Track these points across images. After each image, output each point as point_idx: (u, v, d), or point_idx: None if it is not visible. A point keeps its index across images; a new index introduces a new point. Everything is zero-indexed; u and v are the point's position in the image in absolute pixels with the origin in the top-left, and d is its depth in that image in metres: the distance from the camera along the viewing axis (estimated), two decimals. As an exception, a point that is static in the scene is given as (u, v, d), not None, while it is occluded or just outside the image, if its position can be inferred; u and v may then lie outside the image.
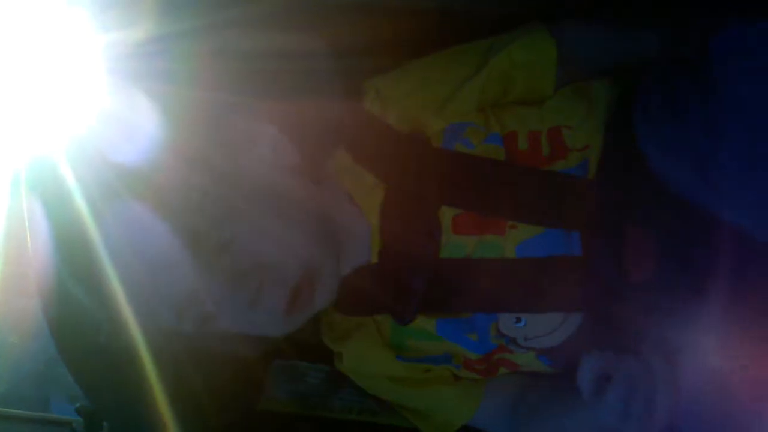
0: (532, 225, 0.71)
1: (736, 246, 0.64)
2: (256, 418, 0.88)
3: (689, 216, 0.66)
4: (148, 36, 0.72)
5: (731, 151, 0.62)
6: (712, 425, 0.69)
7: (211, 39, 0.75)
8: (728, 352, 0.65)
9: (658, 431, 0.68)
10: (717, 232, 0.65)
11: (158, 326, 0.70)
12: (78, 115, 0.68)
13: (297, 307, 0.68)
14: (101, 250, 0.64)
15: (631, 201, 0.69)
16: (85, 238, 0.64)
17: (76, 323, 0.77)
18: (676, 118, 0.65)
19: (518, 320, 0.73)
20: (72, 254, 0.67)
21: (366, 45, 0.79)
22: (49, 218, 0.68)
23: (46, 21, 0.78)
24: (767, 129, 0.62)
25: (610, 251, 0.69)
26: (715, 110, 0.63)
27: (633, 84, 0.72)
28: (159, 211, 0.64)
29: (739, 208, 0.64)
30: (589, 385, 0.70)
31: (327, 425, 0.88)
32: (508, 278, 0.72)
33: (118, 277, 0.65)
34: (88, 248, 0.64)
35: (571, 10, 0.77)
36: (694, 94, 0.65)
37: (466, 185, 0.73)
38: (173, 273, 0.65)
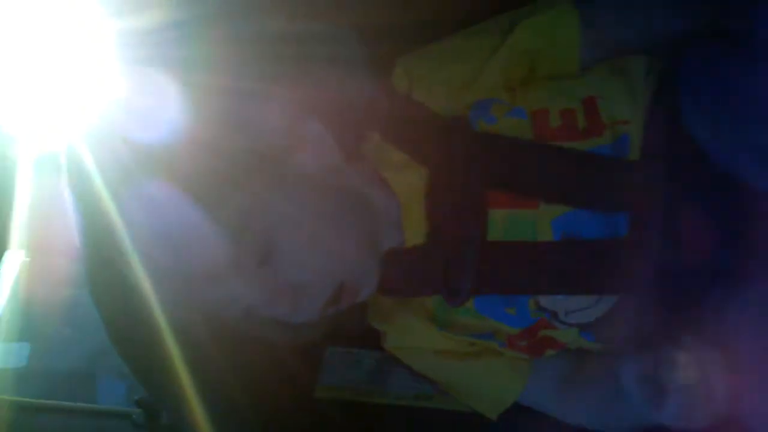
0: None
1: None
2: (311, 407, 0.89)
3: (743, 196, 0.65)
4: (169, 21, 0.71)
5: None
6: None
7: (235, 24, 0.74)
8: None
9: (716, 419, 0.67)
10: None
11: (198, 312, 0.71)
12: (99, 99, 0.69)
13: (331, 309, 0.72)
14: (123, 230, 0.66)
15: (681, 181, 0.68)
16: (108, 220, 0.66)
17: (123, 313, 0.78)
18: (721, 93, 0.64)
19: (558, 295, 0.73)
20: (104, 242, 0.68)
21: (393, 27, 0.78)
22: (77, 204, 0.70)
23: (64, 7, 0.78)
24: None
25: (663, 232, 0.68)
26: (759, 86, 0.61)
27: (674, 60, 0.70)
28: (197, 199, 0.65)
29: None
30: (637, 392, 0.70)
31: (381, 412, 0.88)
32: (550, 261, 0.72)
33: (154, 265, 0.67)
34: (111, 229, 0.66)
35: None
36: (741, 68, 0.63)
37: (504, 167, 0.72)
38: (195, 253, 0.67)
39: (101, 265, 0.74)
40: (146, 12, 0.72)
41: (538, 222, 0.71)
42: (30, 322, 1.20)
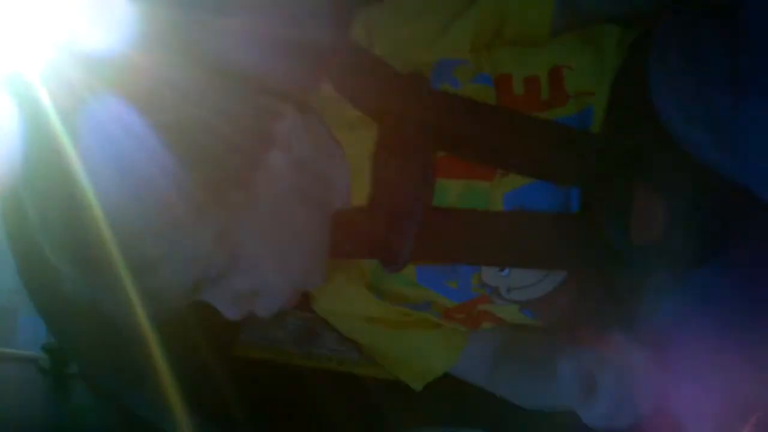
0: (524, 176, 0.68)
1: (754, 217, 0.61)
2: (229, 363, 0.85)
3: (703, 178, 0.62)
4: None
5: (756, 112, 0.56)
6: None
7: None
8: (732, 332, 0.62)
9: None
10: (733, 198, 0.61)
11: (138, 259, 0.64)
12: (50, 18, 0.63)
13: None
14: (75, 161, 0.58)
15: (640, 158, 0.65)
16: (63, 146, 0.58)
17: (40, 257, 0.72)
18: (695, 69, 0.60)
19: (502, 269, 0.71)
20: (41, 170, 0.60)
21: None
22: (22, 127, 0.62)
23: None
24: None
25: (613, 210, 0.66)
26: (742, 63, 0.57)
27: (648, 30, 0.67)
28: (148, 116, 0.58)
29: (757, 176, 0.59)
30: (571, 387, 0.68)
31: (300, 376, 0.85)
32: (499, 231, 0.69)
33: (95, 196, 0.58)
34: (61, 160, 0.58)
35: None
36: (719, 44, 0.59)
37: (460, 130, 0.69)
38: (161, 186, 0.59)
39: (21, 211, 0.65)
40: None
41: (492, 194, 0.69)
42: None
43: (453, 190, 0.69)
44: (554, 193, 0.68)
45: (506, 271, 0.71)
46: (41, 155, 0.59)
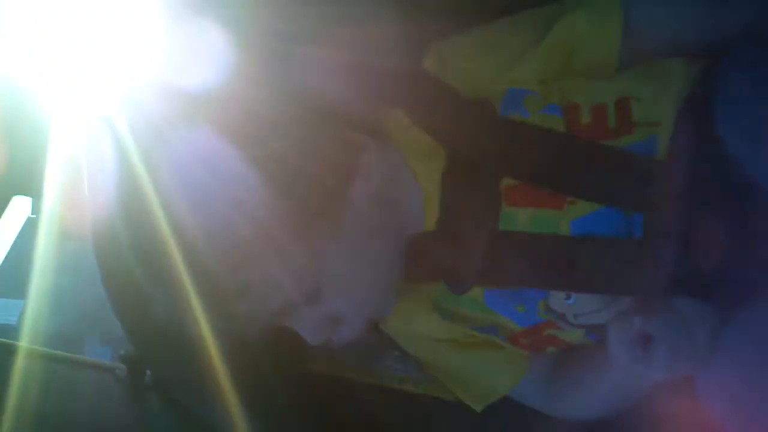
0: (591, 202, 0.70)
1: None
2: (299, 378, 0.88)
3: (765, 208, 0.64)
4: None
5: None
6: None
7: None
8: None
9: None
10: None
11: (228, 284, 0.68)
12: (142, 53, 0.69)
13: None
14: (160, 190, 0.63)
15: (703, 186, 0.67)
16: (146, 178, 0.63)
17: (128, 276, 0.76)
18: (759, 101, 0.63)
19: (568, 297, 0.72)
20: (131, 195, 0.65)
21: (433, 7, 0.78)
22: (115, 162, 0.67)
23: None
24: None
25: (676, 236, 0.67)
26: None
27: (714, 65, 0.69)
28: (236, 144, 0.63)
29: None
30: (628, 352, 0.68)
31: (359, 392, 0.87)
32: (563, 256, 0.71)
33: (177, 217, 0.63)
34: (147, 189, 0.63)
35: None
36: None
37: (528, 157, 0.71)
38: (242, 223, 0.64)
39: (112, 230, 0.71)
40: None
41: (561, 222, 0.70)
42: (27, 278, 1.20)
43: (522, 218, 0.71)
44: (619, 220, 0.69)
45: (572, 298, 0.72)
46: (132, 189, 0.64)
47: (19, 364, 1.02)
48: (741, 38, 0.69)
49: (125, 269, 0.68)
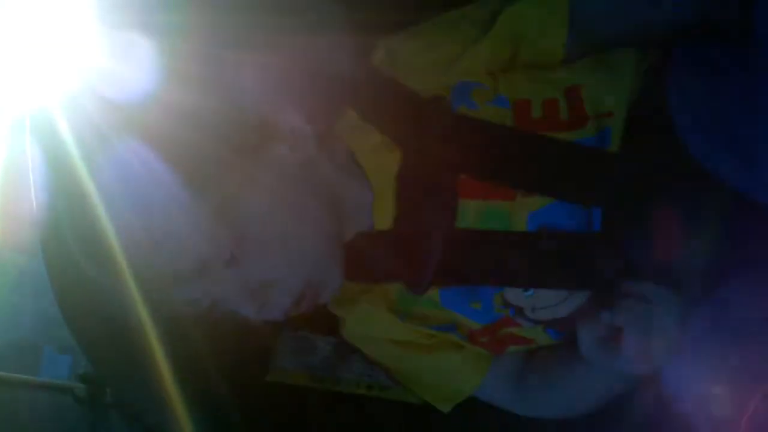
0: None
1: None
2: (264, 390, 0.86)
3: (722, 197, 0.63)
4: None
5: None
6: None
7: None
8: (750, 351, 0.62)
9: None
10: (752, 216, 0.62)
11: (159, 290, 0.68)
12: (73, 63, 0.67)
13: (300, 308, 0.71)
14: (98, 199, 0.63)
15: (660, 177, 0.67)
16: (83, 187, 0.63)
17: (78, 285, 0.76)
18: (712, 91, 0.62)
19: (526, 289, 0.72)
20: (70, 205, 0.66)
21: (377, 5, 0.75)
22: (48, 167, 0.68)
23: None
24: None
25: (635, 229, 0.67)
26: (754, 86, 0.59)
27: (664, 55, 0.69)
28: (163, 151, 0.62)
29: None
30: (597, 350, 0.68)
31: (337, 399, 0.86)
32: (521, 252, 0.70)
33: (117, 230, 0.63)
34: (86, 198, 0.63)
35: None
36: (732, 67, 0.61)
37: (481, 153, 0.71)
38: (176, 233, 0.64)
39: (60, 241, 0.70)
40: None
41: (513, 214, 0.70)
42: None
43: (472, 210, 0.70)
44: (577, 213, 0.69)
45: (530, 291, 0.72)
46: (61, 188, 0.65)
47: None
48: (691, 28, 0.69)
49: (71, 263, 0.68)
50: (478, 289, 0.73)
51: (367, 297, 0.77)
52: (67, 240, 0.68)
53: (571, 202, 0.69)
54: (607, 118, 0.69)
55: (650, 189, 0.67)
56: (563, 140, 0.69)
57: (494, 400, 0.81)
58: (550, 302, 0.72)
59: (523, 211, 0.69)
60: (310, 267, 0.70)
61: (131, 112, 0.63)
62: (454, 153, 0.71)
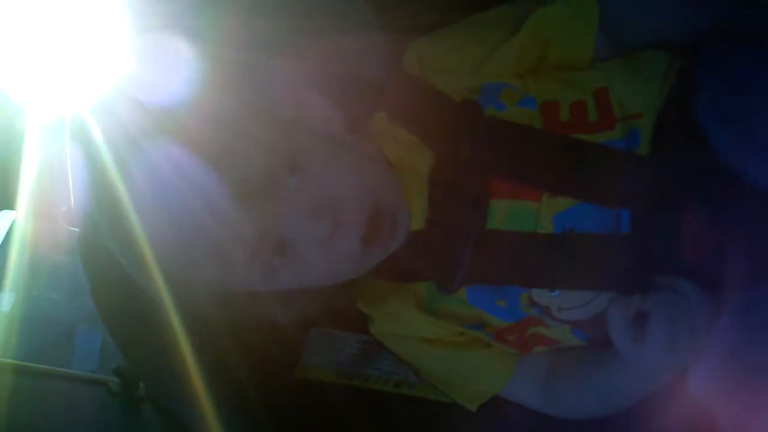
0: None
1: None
2: (294, 387, 0.88)
3: (752, 200, 0.63)
4: None
5: None
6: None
7: None
8: None
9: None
10: None
11: (193, 286, 0.69)
12: (108, 67, 0.68)
13: (374, 243, 0.69)
14: (132, 200, 0.64)
15: (689, 180, 0.66)
16: (119, 189, 0.64)
17: (114, 282, 0.77)
18: (739, 95, 0.62)
19: (552, 289, 0.72)
20: (107, 206, 0.67)
21: (408, 8, 0.78)
22: (86, 169, 0.68)
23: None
24: None
25: (664, 231, 0.67)
26: None
27: (692, 57, 0.68)
28: (199, 154, 0.62)
29: None
30: (625, 334, 0.67)
31: (365, 396, 0.87)
32: (549, 253, 0.70)
33: (150, 233, 0.65)
34: (121, 199, 0.64)
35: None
36: (760, 69, 0.61)
37: (511, 155, 0.71)
38: (213, 224, 0.64)
39: (98, 241, 0.73)
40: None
41: (540, 214, 0.70)
42: (17, 278, 1.21)
43: (499, 209, 0.70)
44: (604, 215, 0.69)
45: (557, 291, 0.72)
46: (106, 188, 0.65)
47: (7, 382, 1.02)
48: (718, 31, 0.69)
49: (108, 262, 0.70)
50: (504, 287, 0.73)
51: (396, 295, 0.78)
52: (104, 239, 0.70)
53: (599, 205, 0.69)
54: (635, 120, 0.69)
55: (679, 191, 0.66)
56: (591, 142, 0.69)
57: (521, 400, 0.81)
58: (576, 303, 0.72)
59: (549, 212, 0.69)
60: (373, 186, 0.69)
61: (164, 115, 0.63)
62: (485, 156, 0.71)
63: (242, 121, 0.65)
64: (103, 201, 0.68)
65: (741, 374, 0.62)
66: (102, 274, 0.81)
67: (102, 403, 1.03)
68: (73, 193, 0.78)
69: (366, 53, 0.74)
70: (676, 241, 0.66)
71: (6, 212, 1.28)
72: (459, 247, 0.71)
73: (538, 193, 0.70)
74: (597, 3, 0.71)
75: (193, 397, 0.77)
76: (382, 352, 0.85)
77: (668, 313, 0.64)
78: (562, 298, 0.72)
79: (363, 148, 0.73)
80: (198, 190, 0.62)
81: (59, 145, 0.77)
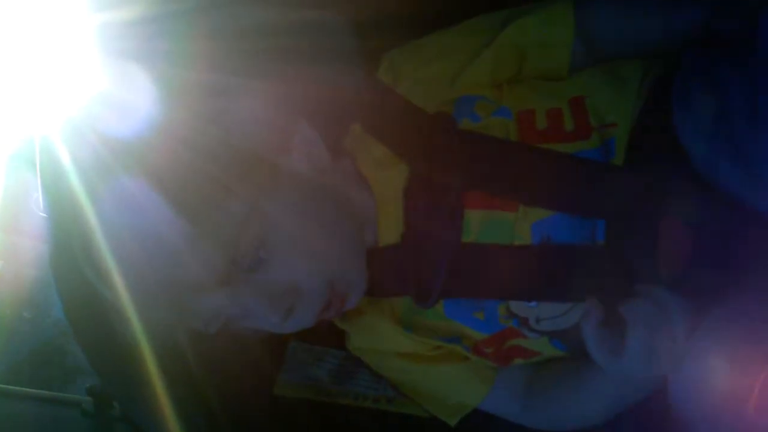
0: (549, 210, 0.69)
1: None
2: (267, 405, 0.87)
3: (728, 210, 0.63)
4: (150, 14, 0.69)
5: None
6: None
7: (216, 17, 0.72)
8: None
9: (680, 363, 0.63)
10: (758, 228, 0.62)
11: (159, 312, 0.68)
12: (74, 93, 0.67)
13: (324, 314, 0.70)
14: (98, 230, 0.62)
15: (665, 190, 0.66)
16: (83, 218, 0.62)
17: (85, 303, 0.75)
18: (717, 104, 0.62)
19: (530, 300, 0.71)
20: (69, 235, 0.66)
21: (385, 19, 0.77)
22: (47, 197, 0.68)
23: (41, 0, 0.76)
24: None
25: (639, 241, 0.67)
26: (758, 97, 0.59)
27: (669, 67, 0.69)
28: (168, 196, 0.61)
29: None
30: (601, 347, 0.66)
31: (341, 413, 0.86)
32: (526, 266, 0.70)
33: (117, 260, 0.63)
34: (86, 228, 0.62)
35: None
36: (738, 80, 0.61)
37: (485, 168, 0.71)
38: (179, 262, 0.62)
39: (69, 260, 0.70)
40: (126, 5, 0.70)
41: (517, 225, 0.69)
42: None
43: (474, 220, 0.70)
44: (580, 224, 0.69)
45: (534, 302, 0.71)
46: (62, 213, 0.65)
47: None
48: (694, 38, 0.70)
49: (79, 280, 0.68)
50: (482, 299, 0.73)
51: (372, 309, 0.78)
52: (76, 257, 0.68)
53: (574, 215, 0.69)
54: (611, 129, 0.69)
55: (654, 201, 0.66)
56: (566, 153, 0.69)
57: (501, 413, 0.81)
58: (554, 313, 0.72)
59: (526, 221, 0.69)
60: (334, 268, 0.69)
61: (133, 141, 0.62)
62: (458, 169, 0.71)
63: (209, 167, 0.63)
64: (71, 223, 0.65)
65: (720, 384, 0.62)
66: (74, 291, 0.79)
67: (76, 424, 1.01)
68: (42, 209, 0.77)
69: (339, 68, 0.74)
70: (652, 250, 0.66)
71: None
72: (435, 260, 0.71)
73: (514, 204, 0.70)
74: (573, 13, 0.72)
75: (165, 418, 0.76)
76: (360, 367, 0.85)
77: (646, 323, 0.64)
78: (540, 309, 0.72)
79: (337, 186, 0.72)
80: (160, 226, 0.61)
81: (25, 164, 0.76)
